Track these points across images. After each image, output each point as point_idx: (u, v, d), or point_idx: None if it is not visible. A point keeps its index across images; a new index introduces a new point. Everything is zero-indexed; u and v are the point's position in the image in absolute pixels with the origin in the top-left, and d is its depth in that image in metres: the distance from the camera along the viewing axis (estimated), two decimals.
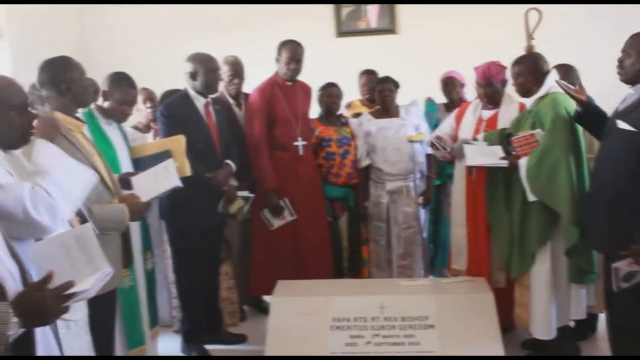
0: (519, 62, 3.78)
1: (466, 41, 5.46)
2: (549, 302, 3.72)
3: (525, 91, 3.77)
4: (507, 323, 4.09)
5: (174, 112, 3.88)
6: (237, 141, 4.26)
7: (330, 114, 4.68)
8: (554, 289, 3.72)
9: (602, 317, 3.93)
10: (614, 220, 3.13)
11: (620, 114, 3.14)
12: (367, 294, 3.89)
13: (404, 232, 4.61)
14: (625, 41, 3.14)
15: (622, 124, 3.07)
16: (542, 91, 3.70)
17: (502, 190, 3.89)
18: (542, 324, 3.75)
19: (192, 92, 3.94)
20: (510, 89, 4.03)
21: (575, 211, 3.46)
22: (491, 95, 4.07)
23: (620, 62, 3.14)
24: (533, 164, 3.56)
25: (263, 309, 4.70)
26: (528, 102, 3.77)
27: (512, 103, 4.10)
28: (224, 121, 4.08)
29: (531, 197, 3.61)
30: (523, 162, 3.61)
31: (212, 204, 3.93)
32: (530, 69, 3.72)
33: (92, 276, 1.85)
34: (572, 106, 3.54)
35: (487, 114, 4.13)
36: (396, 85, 4.63)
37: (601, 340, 3.94)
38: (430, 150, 4.38)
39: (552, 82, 3.67)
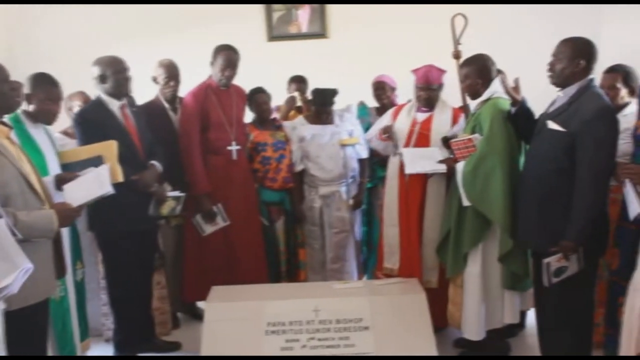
0: (467, 63, 3.82)
1: (397, 45, 5.54)
2: (479, 304, 3.79)
3: (473, 93, 3.82)
4: (441, 322, 4.18)
5: (88, 118, 3.77)
6: (171, 145, 4.20)
7: (263, 119, 4.67)
8: (485, 291, 3.79)
9: (529, 313, 4.07)
10: (545, 218, 3.24)
11: (550, 115, 3.25)
12: (302, 297, 3.90)
13: (335, 236, 4.64)
14: (556, 46, 3.25)
15: (552, 125, 3.19)
16: (486, 94, 3.76)
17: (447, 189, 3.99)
18: (472, 325, 3.83)
19: (104, 97, 3.82)
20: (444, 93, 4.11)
21: (509, 219, 3.52)
22: (430, 98, 4.14)
23: (551, 66, 3.25)
24: (469, 170, 3.62)
25: (197, 316, 4.65)
26: (473, 105, 3.83)
27: (446, 106, 4.19)
28: (143, 122, 3.99)
29: (466, 202, 3.67)
30: (460, 167, 3.67)
31: (142, 208, 3.85)
32: (479, 70, 3.77)
33: (13, 273, 1.80)
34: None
35: (422, 116, 4.21)
36: (333, 95, 4.59)
37: (530, 337, 4.06)
38: (378, 144, 4.38)
39: (496, 86, 3.73)
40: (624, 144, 3.27)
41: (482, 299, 3.79)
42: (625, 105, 3.79)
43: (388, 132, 4.20)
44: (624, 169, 3.07)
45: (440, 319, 4.22)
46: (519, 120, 3.51)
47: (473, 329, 3.83)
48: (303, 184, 4.67)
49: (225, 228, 4.42)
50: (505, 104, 3.59)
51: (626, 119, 3.42)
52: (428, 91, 4.12)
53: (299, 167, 4.62)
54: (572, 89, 3.19)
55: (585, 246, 3.13)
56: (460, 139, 3.69)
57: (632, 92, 3.84)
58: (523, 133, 3.54)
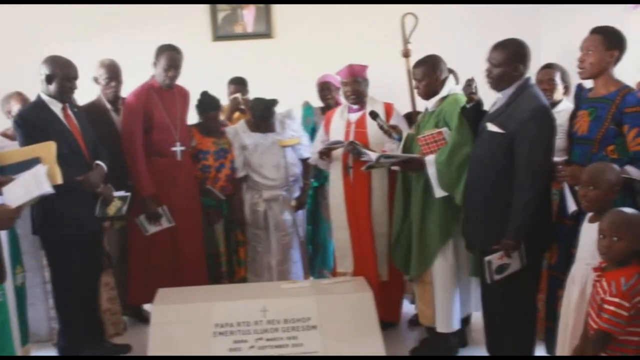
0: (422, 64, 3.84)
1: (343, 44, 5.56)
2: (452, 296, 3.85)
3: (430, 93, 3.84)
4: (392, 317, 4.24)
5: (30, 119, 3.68)
6: (113, 146, 4.15)
7: (209, 130, 4.63)
8: (456, 283, 3.86)
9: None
10: (489, 217, 3.30)
11: (490, 117, 3.33)
12: (249, 298, 3.91)
13: (283, 238, 4.63)
14: (489, 51, 3.31)
15: (491, 127, 3.26)
16: (444, 92, 3.81)
17: (400, 192, 4.01)
18: (446, 318, 3.87)
19: (46, 97, 3.74)
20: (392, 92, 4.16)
21: None
22: (358, 90, 4.18)
23: (489, 72, 3.32)
24: (443, 160, 3.63)
25: (143, 319, 4.59)
26: (429, 103, 3.87)
27: (376, 102, 4.23)
28: (86, 123, 3.93)
29: (438, 193, 3.69)
30: (431, 159, 3.69)
31: (87, 210, 3.79)
32: (434, 70, 3.81)
33: None
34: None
35: (355, 116, 4.25)
36: (272, 105, 4.57)
37: (476, 332, 4.14)
38: (322, 164, 4.40)
39: (452, 84, 3.82)
40: (558, 140, 3.36)
41: (455, 291, 3.86)
42: (559, 102, 3.91)
43: (324, 154, 4.24)
44: (559, 172, 3.17)
45: (392, 313, 4.29)
46: (473, 118, 3.57)
47: (447, 321, 3.88)
48: (242, 189, 4.64)
49: (171, 229, 4.39)
50: (464, 99, 3.67)
51: (560, 115, 3.52)
52: (353, 84, 4.17)
53: (241, 173, 4.59)
54: (510, 90, 3.26)
55: (528, 243, 3.20)
56: (429, 133, 3.72)
57: (566, 90, 3.95)
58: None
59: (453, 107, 3.70)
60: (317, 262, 4.97)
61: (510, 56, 3.23)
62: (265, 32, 5.98)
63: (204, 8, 5.92)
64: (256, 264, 4.66)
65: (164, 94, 4.40)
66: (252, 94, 5.00)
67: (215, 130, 4.61)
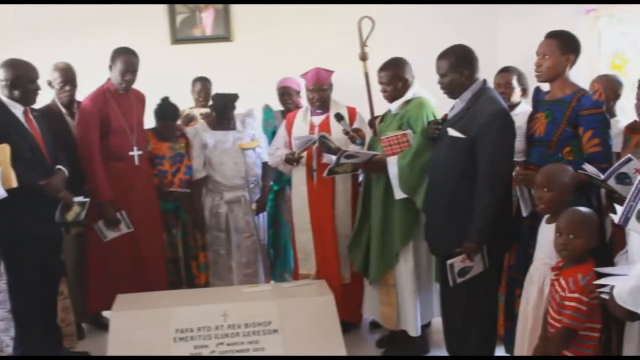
0: (388, 67, 3.86)
1: (302, 47, 5.57)
2: (415, 299, 3.88)
3: (395, 96, 3.86)
4: (355, 317, 4.24)
5: None
6: (69, 151, 4.08)
7: (165, 136, 4.58)
8: (419, 286, 3.88)
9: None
10: (451, 221, 3.33)
11: (450, 122, 3.37)
12: (210, 302, 3.88)
13: (245, 240, 4.61)
14: (436, 62, 3.36)
15: (452, 132, 3.30)
16: (408, 95, 3.84)
17: (362, 194, 4.04)
18: (412, 321, 3.90)
19: (6, 100, 3.66)
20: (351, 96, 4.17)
21: None
22: (323, 98, 4.18)
23: (441, 83, 3.37)
24: (405, 163, 3.66)
25: (102, 326, 4.51)
26: (393, 105, 3.90)
27: (340, 107, 4.24)
28: (46, 127, 3.86)
29: (399, 195, 3.72)
30: (393, 160, 3.71)
31: (46, 215, 3.71)
32: (401, 73, 3.84)
33: None
34: (436, 110, 3.75)
35: (318, 119, 4.26)
36: (233, 100, 4.56)
37: (435, 332, 4.15)
38: (283, 168, 4.40)
39: (416, 87, 3.84)
40: (517, 142, 3.42)
41: (417, 294, 3.88)
42: (516, 104, 3.97)
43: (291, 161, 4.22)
44: (517, 176, 3.23)
45: (354, 314, 4.29)
46: None
47: (413, 324, 3.91)
48: (202, 190, 4.61)
49: (130, 235, 4.32)
50: (430, 103, 3.72)
51: (517, 118, 3.57)
52: (320, 92, 4.17)
53: (201, 174, 4.55)
54: (467, 95, 3.32)
55: (490, 245, 3.24)
56: (392, 134, 3.73)
57: (524, 92, 4.01)
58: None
59: (418, 111, 3.74)
60: (278, 265, 4.96)
61: (454, 63, 3.29)
62: (224, 35, 5.95)
63: (162, 11, 5.87)
64: (219, 267, 4.63)
65: (120, 97, 4.33)
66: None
67: (171, 136, 4.57)
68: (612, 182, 2.86)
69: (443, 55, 3.35)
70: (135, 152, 4.34)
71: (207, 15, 5.98)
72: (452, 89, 3.34)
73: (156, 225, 4.48)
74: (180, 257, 4.59)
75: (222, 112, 4.52)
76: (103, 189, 4.21)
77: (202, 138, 4.54)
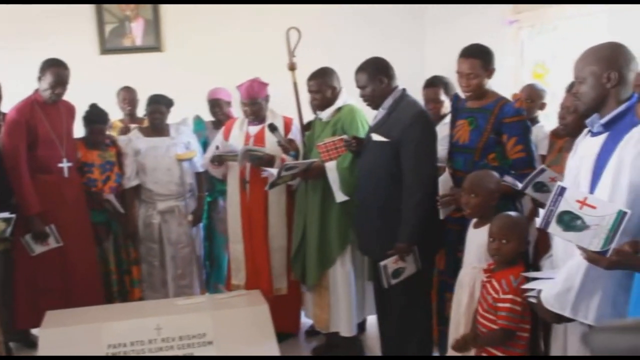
0: (316, 76, 3.92)
1: (233, 58, 5.57)
2: (349, 301, 3.93)
3: (325, 104, 3.92)
4: (292, 328, 4.25)
5: None
6: None
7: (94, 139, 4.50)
8: (354, 288, 3.93)
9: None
10: (382, 224, 3.40)
11: (374, 128, 3.45)
12: (142, 316, 3.82)
13: (180, 252, 4.57)
14: (355, 77, 3.47)
15: (376, 137, 3.37)
16: (338, 103, 3.91)
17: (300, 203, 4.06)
18: (347, 322, 3.95)
19: None
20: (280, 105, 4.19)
21: None
22: (257, 112, 4.19)
23: (363, 96, 3.47)
24: (346, 167, 3.72)
25: (31, 344, 4.38)
26: (324, 114, 3.94)
27: (276, 116, 4.26)
28: None
29: (340, 198, 3.76)
30: (332, 165, 3.76)
31: None
32: (329, 81, 3.90)
33: None
34: (366, 116, 3.83)
35: (254, 129, 4.25)
36: (168, 104, 4.56)
37: (371, 339, 4.21)
38: (215, 172, 4.37)
39: (345, 95, 3.92)
40: (443, 150, 3.51)
41: (353, 296, 3.93)
42: (446, 114, 4.07)
43: (217, 161, 4.21)
44: (442, 198, 3.28)
45: (291, 325, 4.31)
46: None
47: (348, 326, 3.96)
48: (136, 201, 4.55)
49: (60, 249, 4.22)
50: (361, 110, 3.78)
51: (447, 127, 3.66)
52: (253, 105, 4.16)
53: (133, 182, 4.49)
54: (388, 102, 3.43)
55: (421, 246, 3.31)
56: (329, 140, 3.78)
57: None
58: None
59: (350, 116, 3.83)
60: (212, 277, 4.93)
61: (371, 73, 3.41)
62: (154, 46, 5.90)
63: (90, 20, 5.79)
64: (153, 279, 4.57)
65: (49, 108, 4.23)
66: (141, 109, 4.92)
67: (101, 143, 4.49)
68: (530, 191, 2.98)
69: (360, 69, 3.47)
70: (65, 164, 4.24)
71: (137, 26, 5.92)
72: (374, 99, 3.46)
73: (87, 239, 4.38)
74: (113, 270, 4.51)
75: (154, 108, 4.49)
76: (30, 201, 4.10)
77: (135, 145, 4.49)
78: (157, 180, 4.50)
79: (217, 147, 4.22)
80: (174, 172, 4.50)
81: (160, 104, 4.52)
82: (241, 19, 5.80)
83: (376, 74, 3.41)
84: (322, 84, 3.90)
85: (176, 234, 4.56)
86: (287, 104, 4.18)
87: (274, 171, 3.88)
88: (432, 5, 5.78)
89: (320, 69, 3.96)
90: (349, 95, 3.98)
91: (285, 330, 4.24)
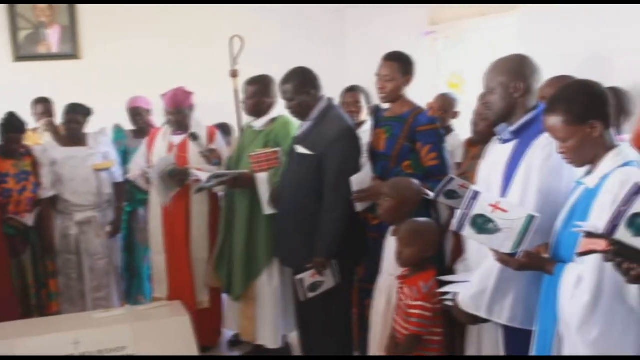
0: (254, 82, 3.90)
1: (153, 65, 5.49)
2: (275, 313, 3.92)
3: (256, 111, 3.90)
4: (212, 341, 4.20)
5: None
6: None
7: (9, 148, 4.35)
8: (281, 300, 3.93)
9: None
10: (301, 236, 3.40)
11: (299, 140, 3.46)
12: (59, 331, 3.69)
13: (97, 263, 4.46)
14: (280, 86, 3.47)
15: (300, 149, 3.38)
16: (273, 113, 3.89)
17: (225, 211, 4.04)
18: (272, 334, 3.94)
19: None
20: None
21: None
22: (181, 121, 4.14)
23: (289, 106, 3.47)
24: (278, 180, 3.68)
25: None
26: (257, 122, 3.93)
27: (200, 126, 4.22)
28: None
29: (268, 211, 3.74)
30: (263, 177, 3.73)
31: None
32: (264, 90, 3.88)
33: None
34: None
35: (178, 139, 4.20)
36: (86, 113, 4.45)
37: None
38: (143, 185, 4.30)
39: (280, 106, 3.85)
40: (365, 157, 3.57)
41: (280, 308, 3.93)
42: (364, 122, 4.15)
43: (145, 176, 4.15)
44: (359, 194, 3.31)
45: (211, 337, 4.28)
46: None
47: (273, 337, 3.95)
48: (53, 211, 4.42)
49: None
50: (295, 122, 3.73)
51: (365, 135, 3.72)
52: (178, 115, 4.12)
53: (49, 193, 4.36)
54: (314, 114, 3.43)
55: (341, 260, 3.34)
56: (262, 152, 3.75)
57: (370, 110, 4.20)
58: None
59: (285, 130, 3.81)
60: (133, 289, 4.84)
61: (298, 86, 3.40)
62: (71, 53, 5.76)
63: (3, 27, 5.59)
64: (70, 292, 4.45)
65: None
66: (57, 117, 4.79)
67: (15, 152, 4.34)
68: (442, 199, 3.07)
69: (287, 80, 3.44)
70: None
71: (53, 32, 5.77)
72: (301, 111, 3.45)
73: (1, 251, 4.22)
74: (31, 284, 4.35)
75: (71, 118, 4.37)
76: None
77: (51, 155, 4.37)
78: (74, 191, 4.38)
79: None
80: (92, 183, 4.40)
81: (77, 114, 4.41)
82: (160, 25, 5.72)
83: (304, 86, 3.40)
84: (257, 92, 3.89)
85: (94, 245, 4.45)
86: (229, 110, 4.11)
87: (202, 176, 3.85)
88: (351, 19, 5.87)
89: (260, 77, 3.94)
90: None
91: (205, 343, 4.19)
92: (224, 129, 4.65)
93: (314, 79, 3.45)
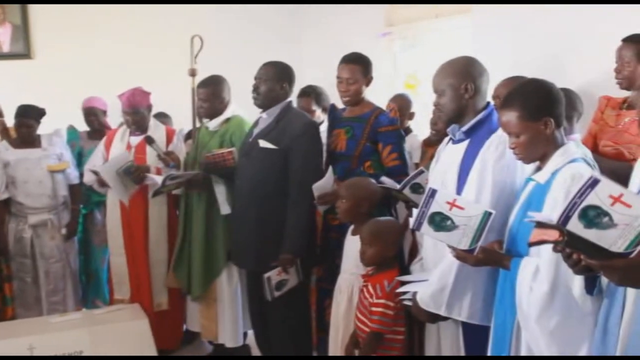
0: (205, 85, 3.88)
1: (108, 64, 5.41)
2: (235, 312, 3.93)
3: (213, 113, 3.89)
4: (172, 344, 4.17)
5: None
6: None
7: None
8: (241, 298, 3.93)
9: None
10: (263, 234, 3.40)
11: (260, 135, 3.44)
12: (13, 336, 3.64)
13: (52, 266, 4.39)
14: (259, 68, 3.47)
15: (264, 143, 3.38)
16: (227, 113, 3.88)
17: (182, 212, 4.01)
18: (232, 333, 3.95)
19: None
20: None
21: None
22: (139, 121, 4.11)
23: (256, 88, 3.45)
24: None
25: None
26: (211, 123, 3.93)
27: (159, 127, 4.21)
28: None
29: (226, 210, 3.73)
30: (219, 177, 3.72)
31: None
32: (218, 91, 3.87)
33: None
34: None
35: (136, 140, 4.17)
36: (39, 114, 4.35)
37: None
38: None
39: (234, 106, 3.91)
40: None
41: (240, 307, 3.93)
42: (320, 123, 4.18)
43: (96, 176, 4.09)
44: (319, 199, 3.33)
45: (172, 340, 4.25)
46: None
47: (234, 336, 3.96)
48: (8, 215, 4.33)
49: None
50: (249, 122, 3.75)
51: (323, 136, 3.75)
52: (135, 115, 4.09)
53: (2, 196, 4.27)
54: (275, 110, 3.45)
55: (303, 258, 3.35)
56: (218, 152, 3.74)
57: (324, 110, 4.25)
58: None
59: (240, 130, 3.81)
60: (90, 292, 4.76)
61: (279, 75, 3.44)
62: (23, 52, 5.63)
63: None
64: (25, 296, 4.37)
65: None
66: (9, 119, 4.68)
67: None
68: (407, 192, 3.10)
69: (269, 64, 3.48)
70: None
71: (4, 32, 5.64)
72: (265, 98, 3.45)
73: None
74: None
75: (21, 120, 4.28)
76: None
77: (4, 156, 4.29)
78: (28, 193, 4.30)
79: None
80: (46, 185, 4.33)
81: (28, 116, 4.31)
82: (116, 24, 5.64)
83: (283, 78, 3.44)
84: (210, 93, 3.88)
85: (48, 248, 4.38)
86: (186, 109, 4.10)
87: (158, 179, 3.82)
88: (308, 20, 5.88)
89: (210, 78, 3.93)
90: (239, 106, 4.00)
91: (166, 346, 4.16)
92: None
93: (292, 78, 3.50)
